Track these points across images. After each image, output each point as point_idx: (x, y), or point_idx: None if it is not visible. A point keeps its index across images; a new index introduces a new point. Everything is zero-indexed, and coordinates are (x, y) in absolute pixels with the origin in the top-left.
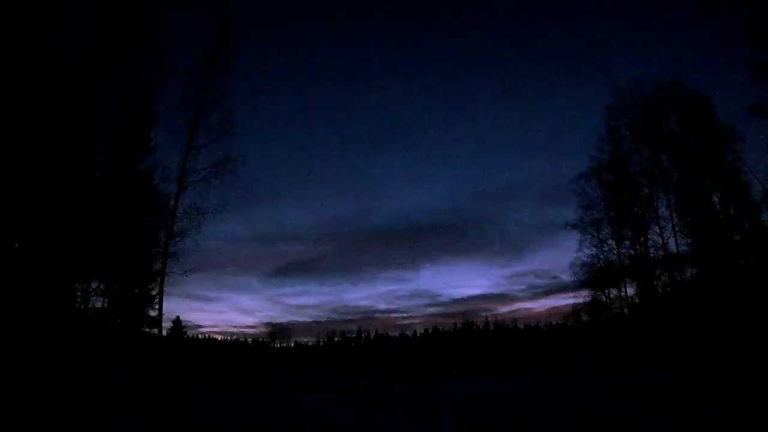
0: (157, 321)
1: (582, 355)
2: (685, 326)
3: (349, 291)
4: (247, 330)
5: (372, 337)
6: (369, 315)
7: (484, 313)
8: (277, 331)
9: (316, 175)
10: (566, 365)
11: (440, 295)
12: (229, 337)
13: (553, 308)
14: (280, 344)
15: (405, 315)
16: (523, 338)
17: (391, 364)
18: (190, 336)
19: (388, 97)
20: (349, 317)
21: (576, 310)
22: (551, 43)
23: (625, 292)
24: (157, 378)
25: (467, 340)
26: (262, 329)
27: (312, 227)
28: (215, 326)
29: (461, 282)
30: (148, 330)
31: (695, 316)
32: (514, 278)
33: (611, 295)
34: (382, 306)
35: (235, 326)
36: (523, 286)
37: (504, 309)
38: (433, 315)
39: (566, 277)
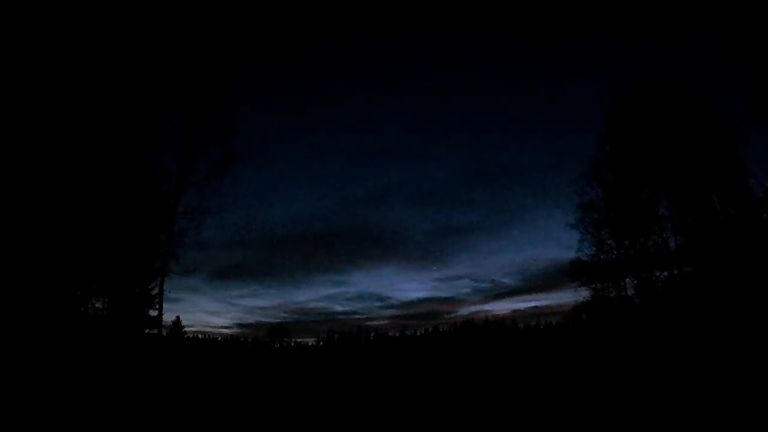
0: (157, 321)
1: (583, 354)
2: (686, 326)
3: (295, 294)
4: (223, 330)
5: (372, 337)
6: (330, 317)
7: (446, 315)
8: (277, 331)
9: None
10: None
11: (389, 298)
12: (229, 337)
13: (516, 311)
14: (280, 344)
15: (366, 317)
16: (524, 338)
17: (404, 364)
18: (190, 336)
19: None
20: (313, 318)
21: (577, 309)
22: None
23: (625, 292)
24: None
25: (479, 339)
26: (236, 330)
27: (214, 235)
28: (192, 326)
29: (397, 285)
30: (148, 330)
31: (695, 316)
32: (450, 281)
33: (611, 295)
34: (338, 308)
35: (208, 326)
36: (468, 290)
37: (463, 311)
38: (395, 317)
39: (507, 281)
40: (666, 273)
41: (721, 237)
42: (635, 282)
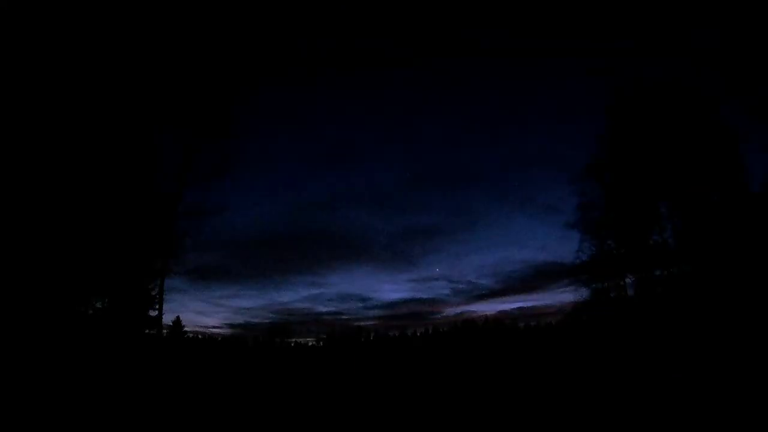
0: (158, 321)
1: (585, 354)
2: (686, 325)
3: (276, 295)
4: (214, 330)
5: (372, 338)
6: (316, 317)
7: (432, 315)
8: (277, 331)
9: None
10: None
11: (371, 298)
12: (227, 337)
13: (502, 311)
14: (280, 343)
15: (352, 317)
16: (526, 338)
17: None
18: (190, 336)
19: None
20: (300, 319)
21: (577, 308)
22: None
23: (625, 292)
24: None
25: (481, 339)
26: (226, 330)
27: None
28: (184, 326)
29: (374, 286)
30: (149, 331)
31: (695, 316)
32: (425, 282)
33: (611, 295)
34: (322, 308)
35: (199, 326)
36: (447, 291)
37: (448, 311)
38: (380, 317)
39: (485, 282)
40: (666, 272)
41: (720, 236)
42: (635, 282)
